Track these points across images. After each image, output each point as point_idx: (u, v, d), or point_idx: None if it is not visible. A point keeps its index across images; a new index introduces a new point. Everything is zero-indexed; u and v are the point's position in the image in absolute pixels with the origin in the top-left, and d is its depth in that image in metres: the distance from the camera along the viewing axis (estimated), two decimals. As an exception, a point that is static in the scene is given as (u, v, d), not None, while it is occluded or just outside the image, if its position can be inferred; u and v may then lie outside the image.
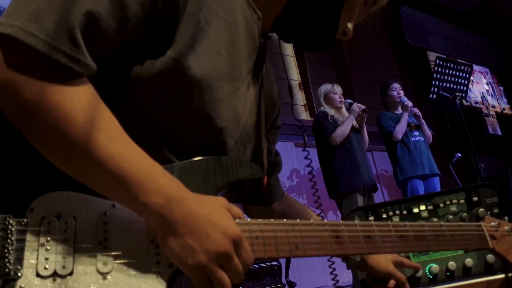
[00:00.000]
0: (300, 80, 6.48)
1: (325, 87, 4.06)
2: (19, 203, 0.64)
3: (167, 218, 0.65)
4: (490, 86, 8.66)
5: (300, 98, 6.40)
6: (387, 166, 6.56)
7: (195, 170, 0.73)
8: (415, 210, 1.07)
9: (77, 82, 0.64)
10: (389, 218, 1.07)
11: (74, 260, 0.63)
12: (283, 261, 4.32)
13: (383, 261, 1.01)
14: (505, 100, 8.85)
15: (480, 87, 8.37)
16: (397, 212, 1.07)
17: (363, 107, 3.85)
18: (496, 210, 1.06)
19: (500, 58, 8.94)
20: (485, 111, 8.12)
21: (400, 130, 4.05)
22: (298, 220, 0.75)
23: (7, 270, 0.59)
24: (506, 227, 0.93)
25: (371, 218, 1.07)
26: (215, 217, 0.67)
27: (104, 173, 0.63)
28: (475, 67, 7.57)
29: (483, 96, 8.33)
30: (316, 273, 5.29)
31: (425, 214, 1.07)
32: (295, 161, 5.73)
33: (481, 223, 0.92)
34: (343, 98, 4.04)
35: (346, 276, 4.76)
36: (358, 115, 3.85)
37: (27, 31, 0.60)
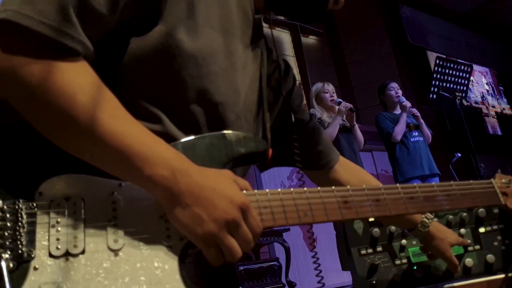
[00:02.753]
0: (300, 80, 6.48)
1: (316, 87, 4.03)
2: (27, 188, 0.65)
3: (173, 190, 0.66)
4: (490, 86, 8.66)
5: (300, 98, 6.39)
6: (387, 166, 6.56)
7: (198, 146, 0.74)
8: (415, 210, 1.07)
9: (75, 61, 0.65)
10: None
11: (85, 239, 0.65)
12: (283, 261, 4.32)
13: (444, 245, 1.00)
14: (505, 100, 8.85)
15: (480, 87, 8.37)
16: (397, 212, 1.07)
17: (349, 106, 3.80)
18: (496, 210, 1.06)
19: (500, 58, 8.94)
20: (485, 111, 8.12)
21: (399, 131, 4.04)
22: (306, 189, 0.76)
23: (20, 252, 0.61)
24: None
25: (371, 218, 1.07)
26: (221, 187, 0.68)
27: (107, 149, 0.64)
28: (475, 67, 7.57)
29: (483, 96, 8.33)
30: (316, 273, 5.29)
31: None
32: (295, 161, 5.72)
33: (492, 180, 0.92)
34: (335, 96, 4.00)
35: (346, 276, 4.76)
36: (346, 114, 3.81)
37: (22, 13, 0.61)
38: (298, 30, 6.63)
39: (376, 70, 6.83)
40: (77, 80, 0.64)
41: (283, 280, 4.23)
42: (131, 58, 0.72)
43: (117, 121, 0.66)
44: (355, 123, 3.90)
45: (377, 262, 1.03)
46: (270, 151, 0.82)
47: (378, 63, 7.03)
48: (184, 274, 0.67)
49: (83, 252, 0.64)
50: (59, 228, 0.64)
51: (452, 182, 0.87)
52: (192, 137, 0.75)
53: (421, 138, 4.17)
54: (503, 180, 0.93)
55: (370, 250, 1.05)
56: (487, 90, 8.50)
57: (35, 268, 0.61)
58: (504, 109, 8.67)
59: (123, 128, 0.66)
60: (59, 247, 0.63)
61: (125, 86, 0.73)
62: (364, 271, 1.03)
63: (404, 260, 1.05)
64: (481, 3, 7.75)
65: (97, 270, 0.64)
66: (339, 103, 3.86)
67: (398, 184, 0.85)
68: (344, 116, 3.80)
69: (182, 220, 0.66)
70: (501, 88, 8.92)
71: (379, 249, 1.05)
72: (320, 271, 0.88)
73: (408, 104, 4.11)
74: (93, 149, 0.65)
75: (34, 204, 0.64)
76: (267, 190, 0.74)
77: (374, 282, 1.02)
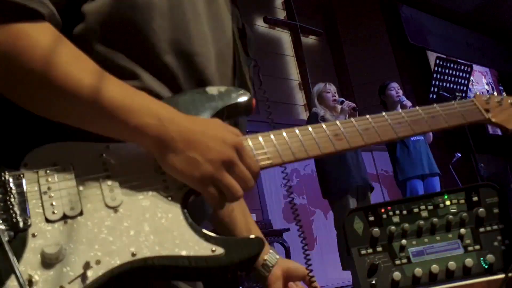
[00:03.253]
0: (300, 80, 6.48)
1: (318, 87, 4.04)
2: (11, 160, 0.64)
3: (163, 137, 0.65)
4: (490, 86, 8.66)
5: (300, 98, 6.40)
6: (387, 166, 6.55)
7: (181, 102, 0.73)
8: (415, 210, 1.07)
9: (38, 22, 0.65)
10: (389, 218, 1.07)
11: (81, 201, 0.64)
12: (283, 261, 4.32)
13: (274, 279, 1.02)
14: (505, 100, 8.85)
15: (480, 87, 8.37)
16: (397, 212, 1.07)
17: (352, 105, 3.81)
18: (496, 210, 1.06)
19: (500, 58, 8.94)
20: (485, 111, 8.11)
21: (399, 130, 4.04)
22: (296, 128, 0.78)
23: (14, 221, 0.60)
24: (496, 100, 0.97)
25: (371, 218, 1.07)
26: (211, 130, 0.68)
27: (89, 106, 0.64)
28: (475, 67, 7.57)
29: (483, 96, 8.33)
30: (316, 273, 5.29)
31: (425, 214, 1.07)
32: (295, 161, 5.73)
33: (473, 98, 0.96)
34: (337, 96, 4.01)
35: (346, 276, 4.75)
36: (349, 114, 3.82)
37: None
38: (298, 30, 6.63)
39: (376, 70, 6.83)
40: (45, 40, 0.64)
41: (283, 280, 4.23)
42: (93, 21, 0.72)
43: (94, 77, 0.65)
44: None
45: (377, 262, 1.03)
46: (254, 100, 0.81)
47: (378, 63, 7.03)
48: (189, 220, 0.67)
49: (81, 213, 0.63)
50: (51, 194, 0.63)
51: (435, 105, 0.91)
52: (174, 95, 0.74)
53: (422, 138, 4.17)
54: (483, 98, 0.97)
55: (370, 250, 1.05)
56: (487, 90, 8.50)
57: (33, 235, 0.60)
58: (504, 109, 8.67)
59: (102, 84, 0.65)
60: (55, 211, 0.62)
61: (98, 49, 0.72)
62: (364, 271, 1.03)
63: (404, 260, 1.05)
64: (481, 3, 7.75)
65: (99, 229, 0.62)
66: (342, 102, 3.87)
67: (383, 113, 0.87)
68: (347, 115, 3.81)
69: (177, 166, 0.66)
70: (501, 88, 8.92)
71: (379, 249, 1.05)
72: (311, 270, 0.88)
73: (408, 103, 4.12)
74: (73, 108, 0.65)
75: (21, 175, 0.63)
76: (259, 134, 0.76)
77: (374, 282, 1.02)
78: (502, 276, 0.95)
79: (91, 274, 0.59)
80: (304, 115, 6.31)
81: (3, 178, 0.62)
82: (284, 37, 6.68)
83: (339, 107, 3.96)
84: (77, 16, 0.72)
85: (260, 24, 6.38)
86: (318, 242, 5.57)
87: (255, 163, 0.71)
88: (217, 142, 0.67)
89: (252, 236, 0.70)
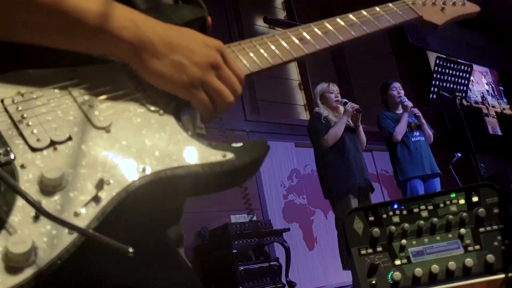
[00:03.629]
0: (300, 80, 6.48)
1: (321, 87, 4.03)
2: None
3: (142, 40, 0.60)
4: (490, 86, 8.66)
5: (300, 98, 6.40)
6: (387, 166, 6.55)
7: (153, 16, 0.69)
8: (415, 210, 1.07)
9: None
10: (389, 218, 1.07)
11: (66, 125, 0.57)
12: (283, 261, 4.32)
13: None
14: (505, 100, 8.85)
15: (480, 87, 8.37)
16: (397, 212, 1.07)
17: (356, 106, 3.81)
18: (496, 210, 1.06)
19: (500, 58, 8.94)
20: (485, 111, 8.12)
21: (399, 131, 4.04)
22: (264, 36, 0.79)
23: None
24: (422, 1, 1.03)
25: (371, 218, 1.07)
26: (191, 33, 0.64)
27: (52, 14, 0.57)
28: (475, 67, 7.57)
29: (483, 96, 8.33)
30: (316, 273, 5.29)
31: (425, 214, 1.07)
32: (295, 161, 5.73)
33: (403, 0, 1.02)
34: (339, 97, 4.01)
35: (346, 276, 4.75)
36: (352, 115, 3.82)
37: None
38: (298, 30, 6.63)
39: (376, 70, 6.84)
40: None
41: (283, 280, 4.23)
42: None
43: None
44: (359, 123, 3.91)
45: (377, 262, 1.03)
46: (209, 18, 0.77)
47: (378, 63, 7.03)
48: (190, 132, 0.64)
49: (69, 138, 0.56)
50: (28, 122, 0.55)
51: (375, 7, 0.99)
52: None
53: (423, 138, 4.16)
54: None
55: (370, 250, 1.05)
56: (487, 90, 8.50)
57: (22, 166, 0.52)
58: (504, 109, 8.67)
59: None
60: (39, 139, 0.55)
61: None
62: (364, 271, 1.03)
63: (404, 260, 1.05)
64: (481, 3, 7.74)
65: (97, 151, 0.56)
66: (345, 103, 3.87)
67: (336, 17, 0.92)
68: (350, 117, 3.81)
69: (163, 72, 0.60)
70: (501, 88, 8.92)
71: (379, 249, 1.05)
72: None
73: (409, 104, 4.11)
74: (39, 18, 0.57)
75: None
76: (232, 43, 0.74)
77: (374, 282, 1.02)
78: (502, 276, 0.95)
79: (105, 195, 0.53)
80: (304, 115, 6.31)
81: None
82: (284, 37, 6.67)
83: (341, 108, 3.96)
84: None
85: (260, 24, 6.38)
86: (318, 242, 5.57)
87: (238, 67, 0.68)
88: (200, 45, 0.63)
89: (257, 140, 0.68)
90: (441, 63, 4.10)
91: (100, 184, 0.53)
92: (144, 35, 0.60)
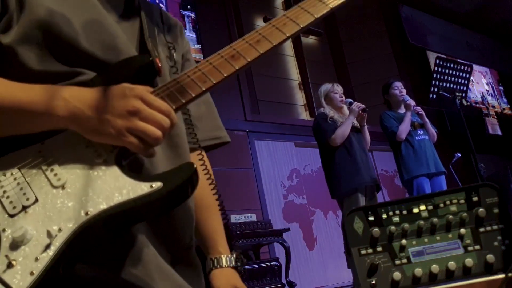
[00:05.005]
0: (300, 80, 6.48)
1: (325, 87, 4.04)
2: None
3: (73, 112, 0.74)
4: (490, 86, 8.66)
5: (300, 98, 6.40)
6: (387, 166, 6.56)
7: (98, 83, 0.80)
8: (415, 210, 1.07)
9: None
10: (389, 218, 1.07)
11: (33, 191, 0.74)
12: (283, 261, 4.32)
13: (219, 281, 1.07)
14: (505, 100, 8.85)
15: (480, 87, 8.37)
16: (397, 212, 1.07)
17: (362, 106, 3.83)
18: (496, 210, 1.06)
19: (500, 58, 8.94)
20: (485, 111, 8.12)
21: (403, 129, 4.03)
22: (196, 66, 0.84)
23: None
24: None
25: (371, 218, 1.07)
26: (113, 91, 0.76)
27: (7, 113, 0.74)
28: (475, 67, 7.57)
29: (483, 96, 8.33)
30: (316, 273, 5.29)
31: (425, 214, 1.07)
32: (295, 161, 5.73)
33: None
34: (344, 97, 4.03)
35: (347, 276, 4.75)
36: (358, 114, 3.84)
37: None
38: (298, 30, 6.62)
39: (376, 70, 6.84)
40: None
41: (283, 280, 4.23)
42: (20, 49, 0.81)
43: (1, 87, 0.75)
44: (365, 124, 3.92)
45: (377, 262, 1.03)
46: (158, 60, 0.86)
47: (378, 63, 7.03)
48: (126, 171, 0.76)
49: (36, 200, 0.73)
50: (8, 195, 0.73)
51: (297, 5, 0.93)
52: (91, 77, 0.83)
53: (427, 137, 4.15)
54: None
55: (370, 250, 1.05)
56: (487, 90, 8.51)
57: (3, 230, 0.71)
58: (504, 109, 8.68)
59: (5, 90, 0.75)
60: (15, 206, 0.72)
61: (35, 68, 0.81)
62: (364, 271, 1.03)
63: (404, 260, 1.05)
64: (481, 3, 7.75)
65: (54, 206, 0.73)
66: (350, 103, 3.88)
67: (269, 21, 0.90)
68: (356, 116, 3.82)
69: (95, 131, 0.74)
70: (501, 88, 8.92)
71: (379, 249, 1.05)
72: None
73: (412, 102, 4.11)
74: None
75: None
76: (164, 84, 0.82)
77: (374, 282, 1.02)
78: (502, 276, 0.95)
79: (57, 240, 0.70)
80: (304, 115, 6.31)
81: None
82: (284, 37, 6.67)
83: (345, 108, 3.97)
84: None
85: (260, 24, 6.37)
86: (318, 242, 5.57)
87: (163, 103, 0.77)
88: (119, 98, 0.75)
89: (181, 164, 0.78)
90: (441, 63, 4.10)
91: (50, 234, 0.69)
92: (74, 107, 0.74)
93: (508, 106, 8.81)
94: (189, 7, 5.28)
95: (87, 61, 0.84)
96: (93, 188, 0.74)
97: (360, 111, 3.82)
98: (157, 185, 0.73)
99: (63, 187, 0.75)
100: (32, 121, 0.76)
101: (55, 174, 0.76)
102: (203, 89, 0.82)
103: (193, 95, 0.81)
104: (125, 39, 0.92)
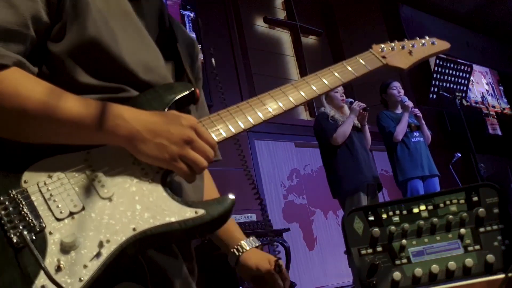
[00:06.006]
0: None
1: None
2: (11, 181, 0.76)
3: (131, 132, 0.78)
4: (490, 86, 8.66)
5: (300, 98, 6.38)
6: (387, 166, 6.54)
7: (139, 103, 0.86)
8: (415, 210, 1.07)
9: (5, 70, 0.77)
10: (389, 218, 1.07)
11: (80, 198, 0.77)
12: (283, 261, 4.31)
13: (253, 258, 1.13)
14: (505, 100, 8.85)
15: (480, 87, 8.37)
16: (397, 212, 1.07)
17: (363, 105, 3.83)
18: (496, 210, 1.06)
19: (500, 58, 8.94)
20: (485, 111, 8.12)
21: (400, 130, 4.04)
22: (236, 105, 0.94)
23: (32, 225, 0.73)
24: (390, 47, 1.13)
25: (371, 218, 1.07)
26: (169, 118, 0.81)
27: (66, 125, 0.77)
28: (475, 67, 7.57)
29: (483, 96, 8.33)
30: (316, 273, 5.29)
31: (425, 214, 1.07)
32: (295, 161, 5.73)
33: (370, 50, 1.12)
34: (344, 96, 4.03)
35: (347, 276, 4.76)
36: (359, 113, 3.84)
37: None
38: (298, 30, 6.63)
39: (376, 70, 6.82)
40: (16, 81, 0.77)
41: (283, 280, 4.22)
42: (67, 60, 0.84)
43: (61, 99, 0.78)
44: (365, 123, 3.92)
45: (377, 262, 1.03)
46: (197, 90, 0.93)
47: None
48: (172, 195, 0.81)
49: (83, 208, 0.76)
50: (55, 199, 0.76)
51: (342, 62, 1.07)
52: (132, 97, 0.87)
53: (422, 139, 4.16)
54: (379, 48, 1.13)
55: (370, 250, 1.05)
56: (487, 90, 8.50)
57: (50, 233, 0.73)
58: (504, 109, 8.67)
59: (68, 104, 0.78)
60: (62, 211, 0.75)
61: (83, 81, 0.85)
62: (364, 271, 1.03)
63: (404, 260, 1.05)
64: (481, 3, 7.75)
65: (102, 217, 0.76)
66: (351, 103, 3.88)
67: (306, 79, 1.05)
68: (357, 115, 3.82)
69: (149, 153, 0.79)
70: (501, 88, 8.92)
71: (379, 249, 1.05)
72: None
73: (410, 104, 4.11)
74: (55, 129, 0.78)
75: (25, 189, 0.76)
76: (209, 116, 0.90)
77: (374, 282, 1.02)
78: (502, 276, 0.95)
79: (105, 251, 0.73)
80: (304, 115, 6.31)
81: (12, 195, 0.75)
82: (284, 37, 6.67)
83: (346, 107, 3.97)
84: (45, 54, 0.85)
85: (260, 24, 6.38)
86: (318, 242, 5.57)
87: (211, 137, 0.85)
88: (176, 126, 0.80)
89: (225, 195, 0.83)
90: (441, 63, 4.10)
91: (100, 244, 0.73)
92: (134, 128, 0.79)
93: (508, 106, 8.81)
94: (189, 7, 5.27)
95: (129, 79, 0.88)
96: (140, 205, 0.78)
97: (361, 110, 3.82)
98: (201, 212, 0.79)
99: (110, 199, 0.78)
100: (88, 135, 0.79)
101: (102, 186, 0.79)
102: (243, 128, 0.90)
103: (234, 132, 0.89)
104: (163, 61, 0.96)
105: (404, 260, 1.05)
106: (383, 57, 1.12)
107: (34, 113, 0.76)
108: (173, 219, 0.78)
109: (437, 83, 4.08)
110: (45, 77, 0.83)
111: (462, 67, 4.20)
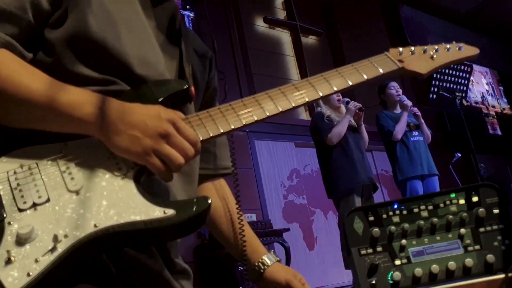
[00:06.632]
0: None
1: None
2: None
3: (104, 122, 0.75)
4: (490, 86, 8.66)
5: (300, 98, 6.38)
6: (387, 166, 6.55)
7: (129, 97, 0.82)
8: (415, 210, 1.07)
9: None
10: (389, 218, 1.07)
11: (47, 189, 0.74)
12: (283, 261, 4.31)
13: (282, 272, 1.13)
14: (505, 100, 8.85)
15: (480, 87, 8.37)
16: (397, 212, 1.07)
17: (359, 105, 3.83)
18: (496, 210, 1.06)
19: (500, 58, 8.94)
20: (485, 111, 8.12)
21: (399, 130, 4.04)
22: (229, 103, 0.88)
23: None
24: (409, 51, 1.05)
25: (371, 218, 1.07)
26: (148, 109, 0.77)
27: (38, 108, 0.75)
28: (475, 67, 7.57)
29: (483, 96, 8.33)
30: (316, 273, 5.29)
31: (425, 214, 1.07)
32: (295, 161, 5.73)
33: (385, 52, 1.06)
34: (341, 96, 4.02)
35: (346, 276, 4.75)
36: (355, 113, 3.84)
37: None
38: (298, 30, 6.63)
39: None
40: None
41: (283, 280, 4.22)
42: (62, 47, 0.82)
43: (38, 82, 0.75)
44: (362, 122, 3.91)
45: (377, 262, 1.03)
46: (193, 88, 0.89)
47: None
48: (143, 192, 0.76)
49: (48, 200, 0.73)
50: (21, 189, 0.73)
51: (352, 64, 1.04)
52: (125, 90, 0.84)
53: (421, 138, 4.16)
54: (396, 51, 1.07)
55: (370, 250, 1.05)
56: (487, 90, 8.51)
57: (9, 223, 0.70)
58: (504, 109, 8.68)
59: (44, 86, 0.75)
60: (25, 201, 0.72)
61: (75, 70, 0.82)
62: (364, 271, 1.03)
63: (404, 260, 1.05)
64: (481, 3, 7.75)
65: (65, 210, 0.72)
66: (347, 103, 3.88)
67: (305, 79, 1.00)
68: (353, 115, 3.82)
69: (122, 145, 0.75)
70: (501, 88, 8.92)
71: (379, 249, 1.05)
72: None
73: (409, 103, 4.11)
74: (28, 112, 0.75)
75: None
76: (197, 113, 0.85)
77: (374, 282, 1.02)
78: (502, 276, 0.95)
79: (61, 246, 0.69)
80: (304, 115, 6.31)
81: None
82: (284, 37, 6.68)
83: (343, 107, 3.96)
84: (41, 41, 0.83)
85: (260, 24, 6.38)
86: (318, 242, 5.57)
87: (193, 133, 0.79)
88: (153, 118, 0.76)
89: (198, 196, 0.78)
90: (441, 63, 4.09)
91: (55, 238, 0.69)
92: (107, 118, 0.75)
93: (508, 106, 8.81)
94: (188, 7, 5.27)
95: (122, 71, 0.85)
96: (107, 200, 0.74)
97: (357, 110, 3.82)
98: (170, 212, 0.74)
99: (77, 192, 0.74)
100: (63, 122, 0.76)
101: (72, 178, 0.75)
102: (232, 127, 0.84)
103: (222, 131, 0.83)
104: (163, 60, 0.93)
105: (404, 260, 1.05)
106: (400, 60, 1.05)
107: (11, 94, 0.74)
108: (138, 218, 0.73)
109: (437, 83, 4.09)
110: (40, 64, 0.82)
111: (462, 67, 4.20)
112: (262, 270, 1.11)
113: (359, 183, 3.65)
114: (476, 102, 8.05)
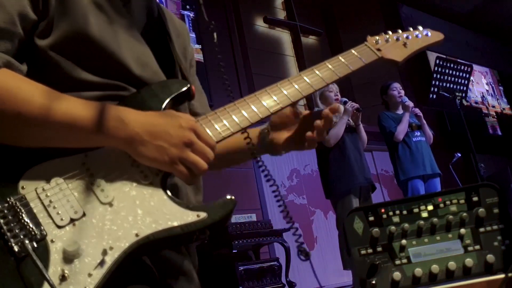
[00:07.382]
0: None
1: None
2: (8, 188, 0.74)
3: (130, 135, 0.77)
4: (490, 86, 8.66)
5: (300, 98, 6.38)
6: (387, 166, 6.55)
7: (135, 102, 0.84)
8: (415, 210, 1.07)
9: None
10: (389, 218, 1.07)
11: (80, 204, 0.76)
12: (283, 261, 4.32)
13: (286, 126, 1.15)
14: (505, 100, 8.85)
15: (480, 87, 8.37)
16: (397, 212, 1.07)
17: (356, 105, 3.81)
18: (496, 210, 1.06)
19: (500, 58, 8.94)
20: (485, 111, 8.12)
21: (401, 130, 4.04)
22: (234, 103, 0.94)
23: (33, 233, 0.71)
24: (384, 38, 1.08)
25: (371, 218, 1.07)
26: (169, 119, 0.80)
27: (61, 128, 0.76)
28: (475, 67, 7.57)
29: (483, 96, 8.33)
30: (316, 273, 5.28)
31: (425, 214, 1.07)
32: (295, 161, 5.73)
33: (365, 42, 1.07)
34: (339, 96, 4.01)
35: (346, 276, 4.75)
36: (352, 114, 3.83)
37: None
38: (298, 30, 6.63)
39: (376, 70, 6.82)
40: (7, 84, 0.74)
41: (283, 280, 4.23)
42: (59, 54, 0.82)
43: (57, 101, 0.76)
44: (360, 122, 3.90)
45: (377, 262, 1.03)
46: (193, 87, 0.92)
47: (378, 63, 7.02)
48: (172, 197, 0.80)
49: (84, 215, 0.75)
50: (55, 205, 0.74)
51: (338, 56, 1.04)
52: (127, 95, 0.86)
53: (423, 138, 4.16)
54: (373, 40, 1.08)
55: (370, 250, 1.05)
56: (487, 90, 8.51)
57: (52, 241, 0.71)
58: (504, 109, 8.68)
59: (64, 106, 0.76)
60: (62, 218, 0.73)
61: (77, 76, 0.83)
62: (364, 271, 1.03)
63: (404, 260, 1.05)
64: (481, 3, 7.75)
65: (103, 222, 0.75)
66: (345, 103, 3.86)
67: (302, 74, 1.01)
68: (350, 116, 3.81)
69: (149, 155, 0.78)
70: (501, 88, 8.92)
71: (379, 249, 1.05)
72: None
73: (411, 104, 4.11)
74: (52, 132, 0.76)
75: (23, 196, 0.74)
76: (206, 114, 0.89)
77: (374, 282, 1.02)
78: (502, 276, 0.95)
79: (109, 258, 0.72)
80: (304, 115, 6.30)
81: (10, 203, 0.72)
82: (284, 37, 6.68)
83: (341, 107, 3.95)
84: (31, 51, 0.83)
85: (260, 24, 6.38)
86: (318, 242, 5.57)
87: (211, 138, 0.84)
88: (176, 128, 0.79)
89: (225, 198, 0.82)
90: (441, 63, 4.10)
91: (104, 252, 0.72)
92: (132, 130, 0.77)
93: (508, 106, 8.81)
94: (188, 7, 5.27)
95: (123, 75, 0.86)
96: (141, 209, 0.77)
97: (354, 111, 3.80)
98: (203, 215, 0.78)
99: (111, 204, 0.76)
100: (86, 138, 0.78)
101: (102, 190, 0.77)
102: (241, 127, 0.88)
103: (232, 131, 0.87)
104: (153, 56, 0.94)
105: (404, 260, 1.05)
106: (378, 49, 1.08)
107: (30, 116, 0.74)
108: (175, 224, 0.77)
109: (437, 83, 4.08)
110: (34, 74, 0.81)
111: (462, 67, 4.20)
112: (266, 130, 1.13)
113: (356, 185, 3.65)
114: (476, 102, 8.04)
